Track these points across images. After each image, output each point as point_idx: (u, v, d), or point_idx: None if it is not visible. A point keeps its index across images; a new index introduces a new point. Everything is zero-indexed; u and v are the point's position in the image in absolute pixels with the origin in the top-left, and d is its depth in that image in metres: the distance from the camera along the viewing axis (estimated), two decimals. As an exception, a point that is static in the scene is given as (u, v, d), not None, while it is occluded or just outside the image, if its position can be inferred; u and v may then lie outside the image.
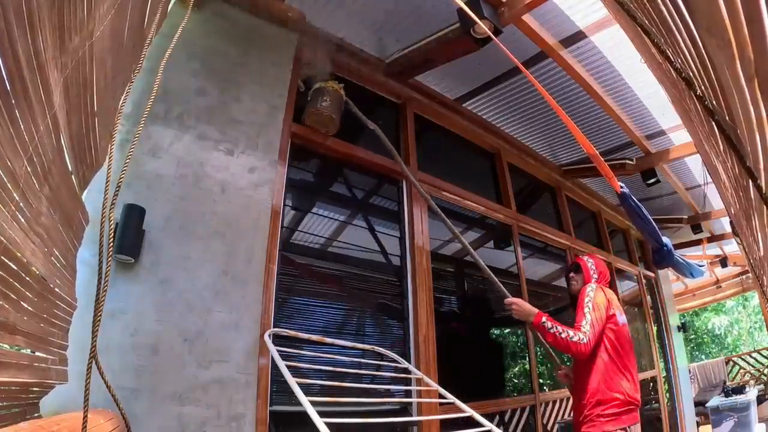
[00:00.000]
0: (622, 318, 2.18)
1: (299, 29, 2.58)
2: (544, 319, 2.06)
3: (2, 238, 0.81)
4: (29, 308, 1.00)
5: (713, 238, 6.39)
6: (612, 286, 2.56)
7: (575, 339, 1.98)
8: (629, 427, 2.01)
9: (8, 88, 0.76)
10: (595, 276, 2.34)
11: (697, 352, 12.54)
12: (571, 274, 2.45)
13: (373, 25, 2.76)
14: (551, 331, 2.01)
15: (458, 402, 1.82)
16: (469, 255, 2.44)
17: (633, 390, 2.06)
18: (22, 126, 0.82)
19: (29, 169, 0.87)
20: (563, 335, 1.99)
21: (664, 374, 5.42)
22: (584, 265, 2.40)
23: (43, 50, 0.83)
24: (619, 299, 2.41)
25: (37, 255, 0.97)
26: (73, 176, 1.16)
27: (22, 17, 0.74)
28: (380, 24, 2.74)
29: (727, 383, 6.42)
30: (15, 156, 0.81)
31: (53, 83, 0.90)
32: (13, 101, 0.78)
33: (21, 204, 0.86)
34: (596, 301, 2.12)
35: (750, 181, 0.90)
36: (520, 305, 2.17)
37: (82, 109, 1.13)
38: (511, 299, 2.23)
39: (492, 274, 2.42)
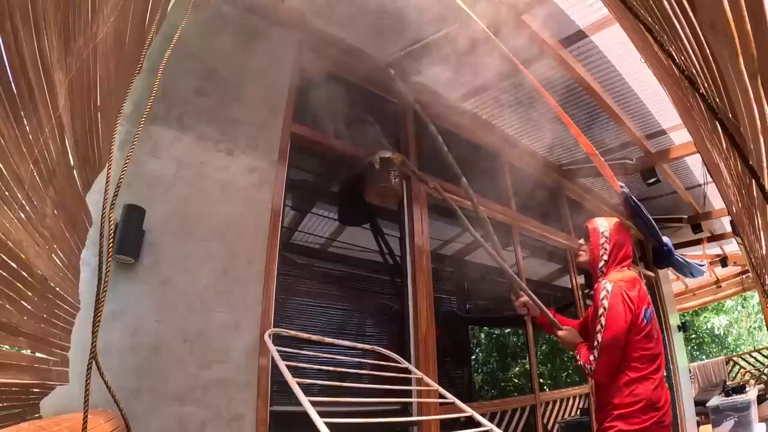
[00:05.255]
0: (648, 314, 1.83)
1: (299, 29, 2.58)
2: (575, 351, 1.89)
3: (7, 241, 0.80)
4: (32, 310, 1.00)
5: (713, 238, 6.38)
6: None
7: (585, 370, 1.79)
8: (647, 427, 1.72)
9: (14, 90, 0.75)
10: (606, 250, 1.91)
11: (697, 352, 12.53)
12: (580, 241, 2.05)
13: (372, 26, 2.75)
14: (578, 363, 1.84)
15: (458, 402, 1.81)
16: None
17: (658, 391, 1.78)
18: (27, 128, 0.82)
19: (35, 171, 0.87)
20: (582, 367, 1.80)
21: (665, 374, 5.42)
22: (593, 234, 1.99)
23: (49, 52, 0.82)
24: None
25: (41, 256, 0.97)
26: (77, 178, 1.16)
27: (28, 20, 0.74)
28: (380, 24, 2.74)
29: (728, 383, 6.41)
30: (21, 158, 0.81)
31: (58, 85, 0.89)
32: (19, 103, 0.78)
33: (26, 206, 0.86)
34: (613, 314, 1.73)
35: (752, 179, 0.90)
36: (564, 338, 1.99)
37: (86, 110, 1.13)
38: (558, 332, 2.02)
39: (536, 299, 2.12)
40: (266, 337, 1.82)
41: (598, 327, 1.75)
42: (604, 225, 2.00)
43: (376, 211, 2.83)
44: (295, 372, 1.51)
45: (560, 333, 2.02)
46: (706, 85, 0.88)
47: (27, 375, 1.03)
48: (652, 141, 4.02)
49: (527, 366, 3.70)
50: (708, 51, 0.78)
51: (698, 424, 5.50)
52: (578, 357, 1.85)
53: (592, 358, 1.75)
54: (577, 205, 4.81)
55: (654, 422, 1.70)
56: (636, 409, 1.70)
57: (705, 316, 12.92)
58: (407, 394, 2.11)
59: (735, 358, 7.93)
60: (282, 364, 1.53)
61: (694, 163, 4.49)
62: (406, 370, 2.19)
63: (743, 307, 12.80)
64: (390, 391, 1.92)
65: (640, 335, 1.77)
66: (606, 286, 1.80)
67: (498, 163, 3.89)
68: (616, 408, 1.73)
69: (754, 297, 11.77)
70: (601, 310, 1.76)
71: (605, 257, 1.93)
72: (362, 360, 2.30)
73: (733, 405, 4.73)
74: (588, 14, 2.67)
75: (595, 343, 1.75)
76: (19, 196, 0.83)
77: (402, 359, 2.24)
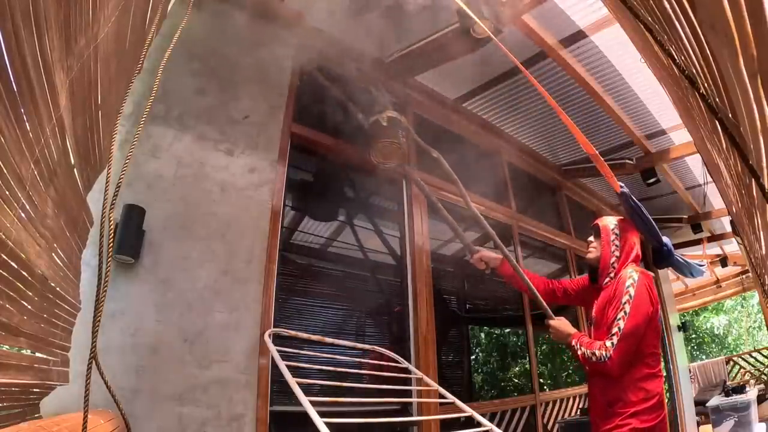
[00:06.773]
0: (660, 316, 1.86)
1: (299, 29, 2.58)
2: (574, 342, 1.81)
3: (8, 241, 0.80)
4: (32, 310, 1.00)
5: (713, 238, 6.38)
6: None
7: (594, 359, 1.70)
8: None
9: (15, 90, 0.75)
10: (618, 247, 1.89)
11: (697, 352, 12.53)
12: (590, 239, 2.02)
13: (372, 25, 2.75)
14: (579, 353, 1.77)
15: (458, 402, 1.81)
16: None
17: (662, 390, 1.78)
18: (28, 128, 0.82)
19: (35, 171, 0.87)
20: (590, 357, 1.72)
21: (665, 374, 5.43)
22: (604, 231, 1.95)
23: (50, 52, 0.82)
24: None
25: (42, 257, 0.97)
26: (77, 177, 1.16)
27: (29, 19, 0.74)
28: (380, 24, 2.74)
29: (728, 383, 6.41)
30: (21, 158, 0.81)
31: (59, 85, 0.89)
32: (20, 103, 0.78)
33: (27, 206, 0.86)
34: (638, 302, 1.71)
35: (752, 179, 0.90)
36: (557, 327, 1.90)
37: (87, 110, 1.13)
38: (550, 321, 1.95)
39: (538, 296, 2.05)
40: (266, 337, 1.82)
41: (621, 314, 1.70)
42: (614, 222, 1.99)
43: (356, 202, 2.82)
44: (295, 372, 1.51)
45: (552, 322, 1.93)
46: (706, 85, 0.88)
47: (27, 375, 1.03)
48: (652, 141, 4.02)
49: (527, 366, 3.70)
50: (708, 51, 0.78)
51: (698, 424, 5.49)
52: (580, 346, 1.77)
53: (609, 344, 1.67)
54: (577, 205, 4.82)
55: (661, 419, 1.70)
56: (649, 405, 1.69)
57: (705, 316, 12.92)
58: (407, 394, 2.12)
59: (735, 358, 7.93)
60: (282, 364, 1.53)
61: (694, 163, 4.49)
62: (406, 370, 2.19)
63: (743, 307, 12.80)
64: (390, 391, 1.92)
65: (655, 332, 1.78)
66: (632, 274, 1.78)
67: (498, 162, 3.89)
68: (630, 405, 1.69)
69: (754, 297, 11.77)
70: (626, 297, 1.73)
71: (617, 253, 1.92)
72: (362, 360, 2.30)
73: (733, 405, 4.73)
74: (588, 14, 2.67)
75: (615, 330, 1.69)
76: (20, 195, 0.83)
77: (402, 359, 2.24)
